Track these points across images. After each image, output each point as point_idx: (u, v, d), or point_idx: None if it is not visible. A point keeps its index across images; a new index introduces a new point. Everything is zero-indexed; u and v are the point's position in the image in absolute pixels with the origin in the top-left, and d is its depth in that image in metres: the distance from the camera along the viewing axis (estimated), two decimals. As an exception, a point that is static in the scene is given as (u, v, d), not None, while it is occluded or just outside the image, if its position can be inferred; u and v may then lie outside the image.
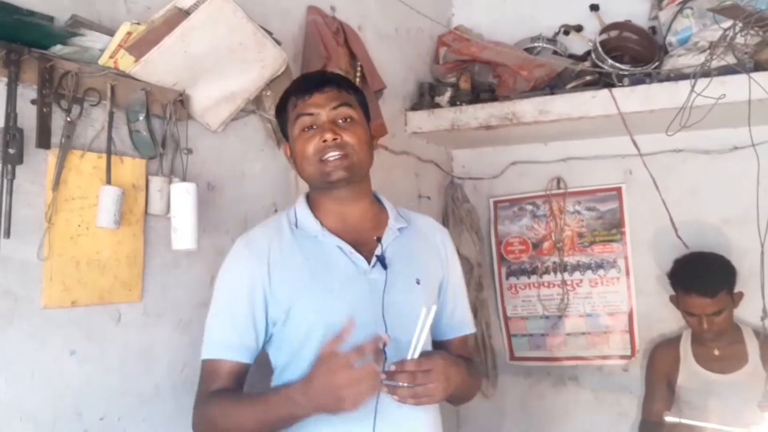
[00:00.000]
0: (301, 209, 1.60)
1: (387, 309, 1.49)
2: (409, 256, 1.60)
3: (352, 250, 1.53)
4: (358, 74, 2.39)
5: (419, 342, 1.39)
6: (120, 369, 1.60)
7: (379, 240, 1.57)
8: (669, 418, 1.93)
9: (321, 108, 1.52)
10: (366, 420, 1.41)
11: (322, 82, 1.56)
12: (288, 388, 1.39)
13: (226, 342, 1.49)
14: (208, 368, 1.51)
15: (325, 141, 1.50)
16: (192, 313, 1.75)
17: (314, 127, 1.53)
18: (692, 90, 2.23)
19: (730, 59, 2.32)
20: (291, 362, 1.51)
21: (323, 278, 1.51)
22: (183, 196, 1.65)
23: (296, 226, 1.57)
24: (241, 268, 1.53)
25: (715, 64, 2.34)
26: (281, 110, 1.63)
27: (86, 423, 1.52)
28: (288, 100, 1.59)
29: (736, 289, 2.56)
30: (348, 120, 1.54)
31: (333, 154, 1.50)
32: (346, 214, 1.58)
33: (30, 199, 1.41)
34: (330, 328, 1.42)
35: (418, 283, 1.58)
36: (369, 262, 1.53)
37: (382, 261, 1.55)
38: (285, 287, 1.49)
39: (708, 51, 2.39)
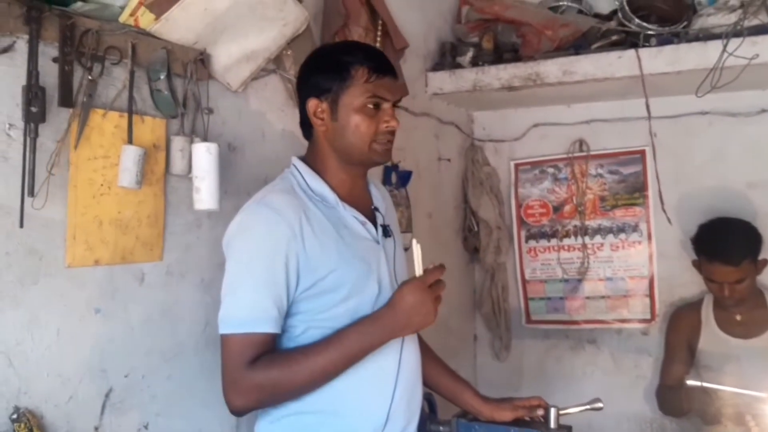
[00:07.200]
0: (310, 176, 1.56)
1: (396, 275, 1.62)
2: (392, 223, 1.71)
3: (366, 221, 1.58)
4: (380, 32, 2.35)
5: (420, 268, 1.50)
6: (144, 327, 1.62)
7: (377, 210, 1.65)
8: (690, 382, 1.93)
9: (392, 95, 1.55)
10: (395, 348, 1.54)
11: (391, 66, 1.59)
12: (373, 318, 1.46)
13: (267, 315, 1.42)
14: (243, 342, 1.40)
15: (388, 126, 1.54)
16: (214, 273, 1.75)
17: (377, 106, 1.53)
18: (724, 50, 2.18)
19: (763, 18, 2.26)
20: (310, 327, 1.49)
21: (354, 246, 1.53)
22: (205, 156, 1.64)
23: (312, 192, 1.55)
24: (278, 237, 1.43)
25: (746, 23, 2.28)
26: (336, 68, 1.53)
27: (111, 380, 1.54)
28: (353, 65, 1.51)
29: (761, 256, 2.53)
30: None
31: (389, 139, 1.56)
32: (354, 186, 1.62)
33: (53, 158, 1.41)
34: (362, 294, 1.51)
35: (405, 249, 1.72)
36: (376, 231, 1.61)
37: (385, 230, 1.63)
38: (323, 256, 1.46)
39: (739, 10, 2.33)
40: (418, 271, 1.49)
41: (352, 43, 1.80)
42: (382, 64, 1.56)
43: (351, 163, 1.57)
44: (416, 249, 1.50)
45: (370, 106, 1.52)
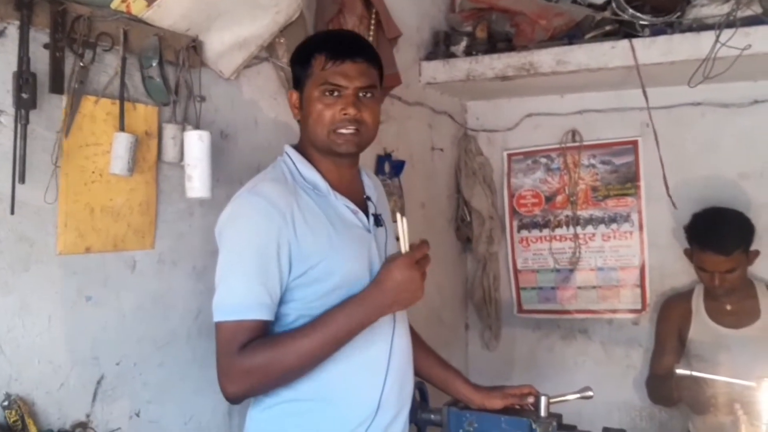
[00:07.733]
0: (302, 164, 1.56)
1: None
2: (384, 212, 1.71)
3: (357, 209, 1.58)
4: (373, 21, 2.34)
5: (406, 243, 1.50)
6: (136, 315, 1.62)
7: (369, 199, 1.64)
8: (680, 371, 1.94)
9: (350, 81, 1.50)
10: (386, 336, 1.56)
11: (355, 51, 1.53)
12: (360, 297, 1.46)
13: (258, 302, 1.42)
14: (235, 329, 1.41)
15: (345, 114, 1.50)
16: (206, 261, 1.76)
17: (336, 93, 1.50)
18: (717, 40, 2.18)
19: (756, 9, 2.26)
20: (302, 315, 1.49)
21: (345, 235, 1.53)
22: (197, 144, 1.63)
23: (303, 181, 1.55)
24: (269, 226, 1.43)
25: (739, 14, 2.29)
26: (301, 59, 1.56)
27: (103, 367, 1.54)
28: (313, 54, 1.52)
29: (753, 247, 2.54)
30: (369, 96, 1.54)
31: (348, 129, 1.51)
32: (343, 175, 1.61)
33: (44, 145, 1.40)
34: (353, 282, 1.50)
35: (396, 239, 1.68)
36: (367, 220, 1.60)
37: (377, 219, 1.63)
38: (314, 244, 1.46)
39: (732, 1, 2.33)
40: (404, 246, 1.48)
41: (325, 31, 1.80)
42: (341, 49, 1.52)
43: (320, 152, 1.56)
44: (402, 223, 1.49)
45: (327, 94, 1.50)
